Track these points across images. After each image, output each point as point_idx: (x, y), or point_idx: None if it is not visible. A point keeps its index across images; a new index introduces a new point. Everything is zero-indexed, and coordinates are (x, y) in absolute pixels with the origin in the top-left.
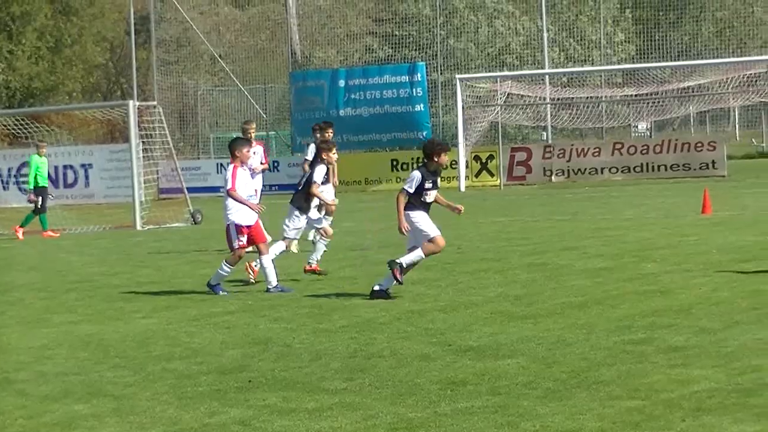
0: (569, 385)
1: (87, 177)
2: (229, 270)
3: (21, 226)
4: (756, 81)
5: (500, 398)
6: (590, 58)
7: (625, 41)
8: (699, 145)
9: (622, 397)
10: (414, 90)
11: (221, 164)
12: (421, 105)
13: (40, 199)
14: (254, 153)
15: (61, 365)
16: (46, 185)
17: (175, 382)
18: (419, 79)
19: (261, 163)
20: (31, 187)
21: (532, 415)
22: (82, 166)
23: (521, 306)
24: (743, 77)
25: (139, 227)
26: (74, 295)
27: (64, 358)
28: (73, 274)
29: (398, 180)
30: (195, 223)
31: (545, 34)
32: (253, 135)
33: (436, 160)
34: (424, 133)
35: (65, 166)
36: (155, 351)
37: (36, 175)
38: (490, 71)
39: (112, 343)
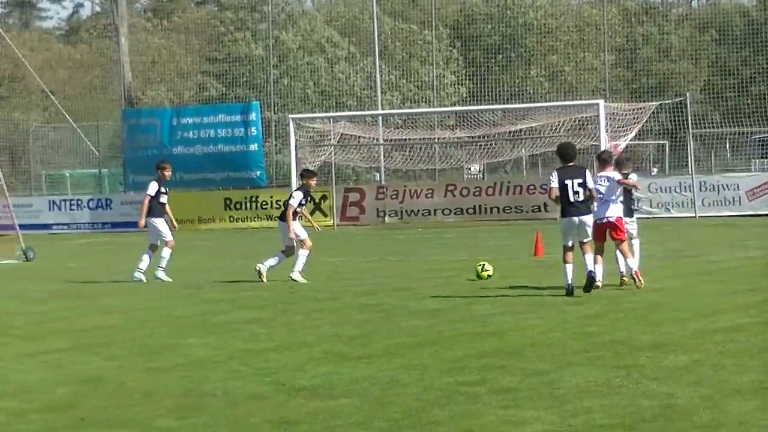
0: (402, 426)
1: None
2: None
3: None
4: (587, 125)
5: None
6: (425, 100)
7: (457, 83)
8: (531, 187)
9: None
10: (248, 129)
11: (53, 201)
12: (255, 144)
13: None
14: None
15: None
16: None
17: (6, 420)
18: (254, 118)
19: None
20: None
21: None
22: None
23: (355, 346)
24: (575, 120)
25: None
26: None
27: None
28: None
29: (231, 219)
30: (27, 260)
31: (378, 76)
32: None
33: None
34: (258, 173)
35: None
36: None
37: None
38: (324, 111)
39: None
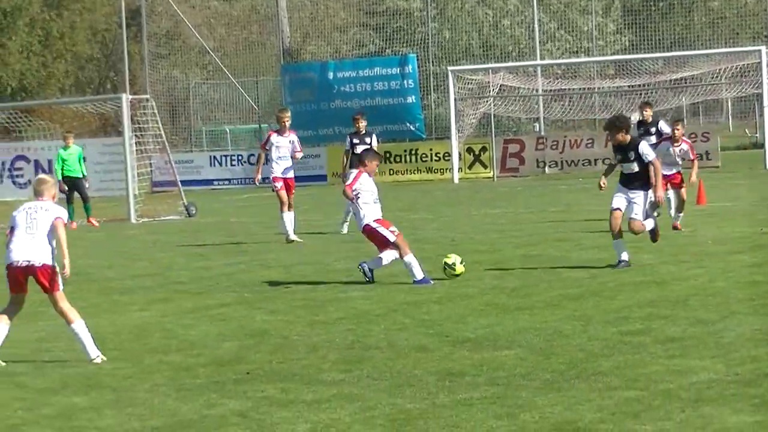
0: (567, 376)
1: None
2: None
3: (71, 219)
4: (749, 72)
5: (498, 389)
6: (583, 49)
7: (616, 32)
8: (693, 136)
9: (620, 388)
10: (405, 82)
11: (214, 157)
12: (413, 97)
13: (72, 189)
14: (290, 141)
15: (58, 358)
16: (78, 175)
17: (173, 375)
18: (410, 71)
19: (296, 152)
20: (60, 178)
21: (530, 405)
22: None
23: (517, 298)
24: (736, 68)
25: (133, 220)
26: (69, 288)
27: (62, 350)
28: None
29: (391, 172)
30: (189, 216)
31: (536, 26)
32: (287, 123)
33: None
34: (416, 125)
35: None
36: (152, 343)
37: (63, 167)
38: (483, 63)
39: (109, 336)
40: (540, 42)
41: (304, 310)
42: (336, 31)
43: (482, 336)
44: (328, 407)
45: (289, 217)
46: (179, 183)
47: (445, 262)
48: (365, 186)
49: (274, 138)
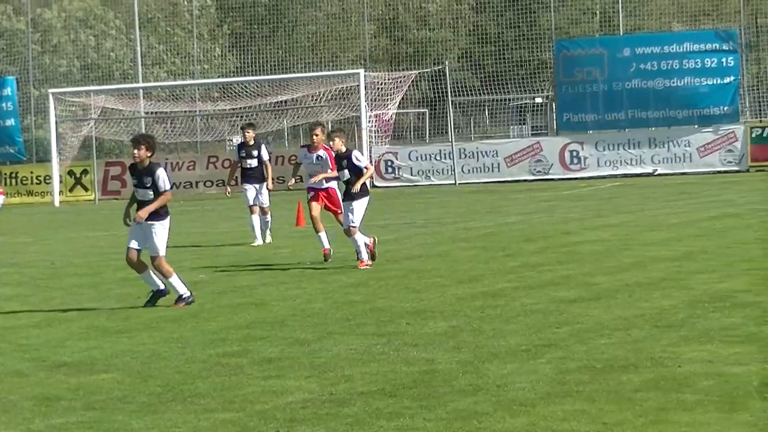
0: (164, 399)
1: None
2: None
3: None
4: (348, 94)
5: (95, 413)
6: (188, 72)
7: (221, 56)
8: (292, 158)
9: (217, 410)
10: (4, 105)
11: None
12: (12, 120)
13: None
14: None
15: None
16: None
17: None
18: (9, 93)
19: None
20: None
21: (127, 429)
22: None
23: (116, 320)
24: (336, 90)
25: None
26: None
27: None
28: None
29: None
30: None
31: (138, 48)
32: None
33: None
34: (17, 148)
35: None
36: None
37: None
38: (87, 85)
39: None
40: (145, 65)
41: None
42: None
43: (80, 360)
44: None
45: None
46: None
47: None
48: None
49: None
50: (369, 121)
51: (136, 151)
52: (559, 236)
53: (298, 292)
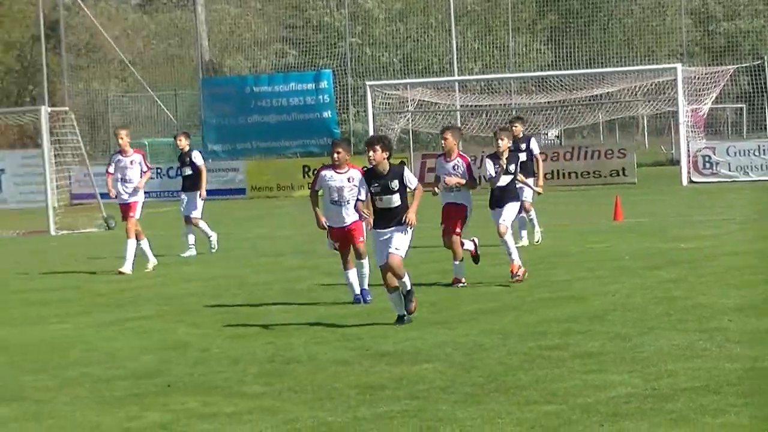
0: (487, 390)
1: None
2: None
3: None
4: (664, 89)
5: (419, 402)
6: (504, 65)
7: (535, 49)
8: (609, 152)
9: (539, 402)
10: (320, 97)
11: None
12: (329, 112)
13: None
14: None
15: None
16: None
17: (94, 387)
18: (325, 86)
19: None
20: None
21: (450, 419)
22: None
23: (437, 312)
24: (652, 85)
25: (53, 232)
26: None
27: None
28: None
29: (309, 186)
30: (108, 229)
31: (454, 42)
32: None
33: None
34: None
35: None
36: (72, 356)
37: None
38: (402, 78)
39: (30, 348)
40: (458, 57)
41: (224, 323)
42: (255, 46)
43: (402, 350)
44: (249, 420)
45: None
46: (98, 195)
47: None
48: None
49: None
50: (685, 116)
51: (371, 153)
52: None
53: (617, 287)
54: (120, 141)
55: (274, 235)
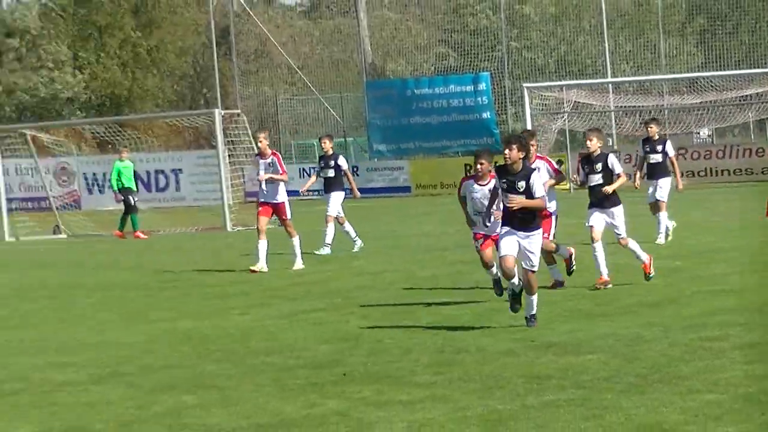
0: (650, 380)
1: (177, 181)
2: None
3: (119, 230)
4: None
5: (584, 392)
6: (656, 66)
7: (684, 50)
8: (760, 150)
9: (701, 391)
10: (479, 98)
11: (303, 169)
12: (488, 113)
13: (130, 198)
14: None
15: (164, 359)
16: (131, 187)
17: (275, 375)
18: (484, 88)
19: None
20: (115, 189)
21: (615, 407)
22: (173, 171)
23: (598, 304)
24: None
25: (229, 229)
26: (170, 293)
27: (167, 352)
28: (168, 273)
29: None
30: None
31: (606, 44)
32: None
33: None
34: (494, 140)
35: (157, 171)
36: (253, 345)
37: (119, 178)
38: (560, 80)
39: (212, 338)
40: (611, 60)
41: (395, 315)
42: (416, 50)
43: (566, 341)
44: (422, 408)
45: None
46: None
47: None
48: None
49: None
50: None
51: (507, 152)
52: None
53: None
54: (259, 144)
55: (438, 231)
